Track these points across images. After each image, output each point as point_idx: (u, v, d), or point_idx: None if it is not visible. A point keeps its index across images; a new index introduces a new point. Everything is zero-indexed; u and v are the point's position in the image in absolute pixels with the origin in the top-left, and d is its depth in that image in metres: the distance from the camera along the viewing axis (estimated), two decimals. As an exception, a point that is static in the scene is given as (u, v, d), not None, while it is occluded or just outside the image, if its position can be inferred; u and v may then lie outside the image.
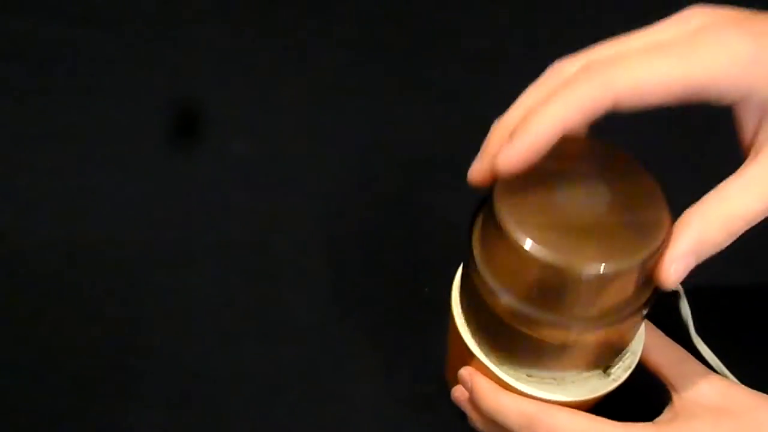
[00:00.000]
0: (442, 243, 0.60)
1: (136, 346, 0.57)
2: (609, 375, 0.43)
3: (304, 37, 0.70)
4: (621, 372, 0.43)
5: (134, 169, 0.64)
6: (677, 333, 0.48)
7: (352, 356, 0.57)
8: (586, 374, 0.43)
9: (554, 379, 0.43)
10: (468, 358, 0.45)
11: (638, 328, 0.43)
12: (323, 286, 0.59)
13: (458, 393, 0.47)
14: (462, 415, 0.48)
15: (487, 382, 0.44)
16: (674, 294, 0.49)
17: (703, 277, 0.57)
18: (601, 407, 0.44)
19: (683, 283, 0.49)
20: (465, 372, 0.45)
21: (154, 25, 0.70)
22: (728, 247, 0.58)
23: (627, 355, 0.43)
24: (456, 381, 0.47)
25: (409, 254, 0.60)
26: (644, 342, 0.44)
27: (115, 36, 0.70)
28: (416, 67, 0.68)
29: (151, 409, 0.55)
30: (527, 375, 0.43)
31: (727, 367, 0.51)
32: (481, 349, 0.44)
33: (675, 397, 0.42)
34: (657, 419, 0.43)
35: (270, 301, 0.59)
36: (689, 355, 0.44)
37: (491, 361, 0.44)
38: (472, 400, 0.45)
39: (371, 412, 0.55)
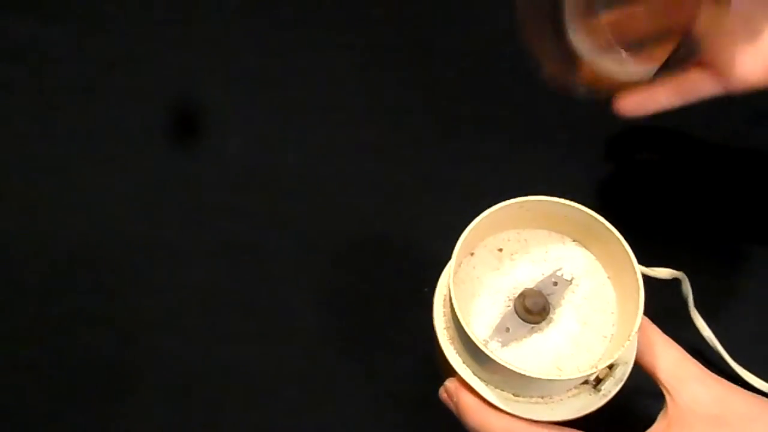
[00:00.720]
0: (442, 243, 0.60)
1: (136, 345, 0.57)
2: (599, 390, 0.42)
3: (304, 38, 0.70)
4: (612, 386, 0.42)
5: (134, 169, 0.64)
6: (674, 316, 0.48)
7: (351, 356, 0.57)
8: (575, 391, 0.42)
9: (542, 398, 0.42)
10: (453, 372, 0.44)
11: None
12: (323, 286, 0.59)
13: (445, 396, 0.46)
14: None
15: (473, 399, 0.43)
16: (675, 280, 0.49)
17: (704, 264, 0.57)
18: (590, 416, 0.43)
19: (686, 269, 0.49)
20: (451, 386, 0.44)
21: (154, 25, 0.70)
22: (729, 242, 0.58)
23: (618, 367, 0.42)
24: (444, 375, 0.46)
25: (409, 254, 0.60)
26: (640, 341, 0.42)
27: (115, 36, 0.70)
28: (417, 66, 0.68)
29: (150, 409, 0.55)
30: (513, 395, 0.42)
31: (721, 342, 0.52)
32: (466, 368, 0.43)
33: (670, 403, 0.41)
34: (650, 429, 0.42)
35: (270, 301, 0.59)
36: (687, 355, 0.42)
37: (477, 380, 0.43)
38: (458, 415, 0.44)
39: (371, 412, 0.55)
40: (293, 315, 0.58)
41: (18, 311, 0.59)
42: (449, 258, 0.42)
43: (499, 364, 0.38)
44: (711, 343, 0.52)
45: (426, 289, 0.58)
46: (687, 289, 0.49)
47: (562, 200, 0.42)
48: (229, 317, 0.58)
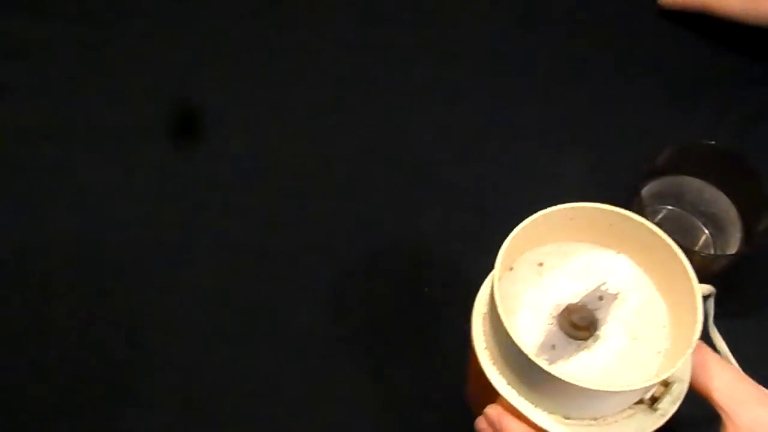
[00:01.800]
0: (442, 243, 0.60)
1: (136, 346, 0.57)
2: (656, 410, 0.39)
3: (305, 37, 0.70)
4: (668, 405, 0.39)
5: (134, 169, 0.64)
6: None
7: (352, 356, 0.57)
8: (629, 411, 0.39)
9: (595, 419, 0.39)
10: (494, 395, 0.41)
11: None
12: (323, 286, 0.59)
13: (483, 426, 0.43)
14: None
15: (519, 425, 0.40)
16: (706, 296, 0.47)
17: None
18: None
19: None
20: (493, 412, 0.41)
21: (154, 25, 0.70)
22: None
23: (674, 384, 0.39)
24: (478, 409, 0.44)
25: (409, 254, 0.60)
26: (693, 361, 0.39)
27: (114, 36, 0.70)
28: (417, 67, 0.68)
29: (150, 409, 0.55)
30: (564, 417, 0.39)
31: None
32: (512, 390, 0.40)
33: (729, 425, 0.39)
34: None
35: (270, 301, 0.59)
36: (743, 375, 0.40)
37: (524, 402, 0.40)
38: None
39: (371, 412, 0.55)
40: (293, 315, 0.58)
41: (18, 311, 0.59)
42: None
43: (553, 380, 0.36)
44: (728, 359, 0.50)
45: (426, 289, 0.59)
46: (709, 304, 0.47)
47: (610, 207, 0.40)
48: (229, 317, 0.58)
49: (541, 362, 0.36)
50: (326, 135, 0.65)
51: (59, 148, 0.65)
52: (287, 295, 0.59)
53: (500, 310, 0.37)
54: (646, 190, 0.56)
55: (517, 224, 0.39)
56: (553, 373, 0.36)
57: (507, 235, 0.39)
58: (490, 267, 0.39)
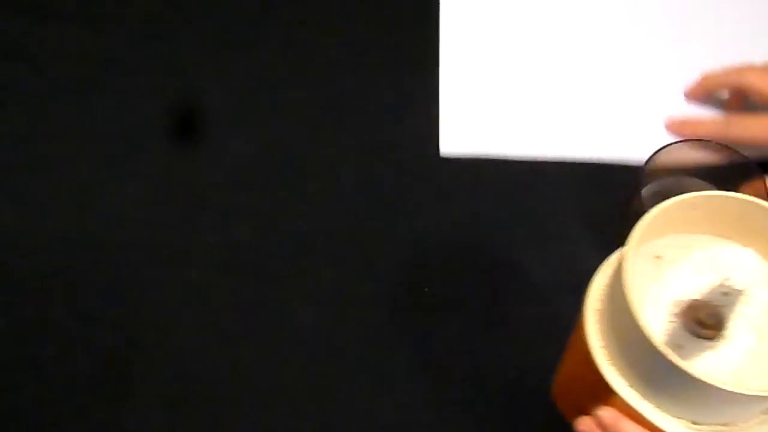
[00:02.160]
0: (442, 243, 0.60)
1: (136, 346, 0.57)
2: None
3: (304, 37, 0.70)
4: None
5: (134, 169, 0.64)
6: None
7: (352, 356, 0.57)
8: (762, 417, 0.37)
9: (724, 425, 0.36)
10: (607, 397, 0.38)
11: None
12: (323, 286, 0.59)
13: (587, 428, 0.40)
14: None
15: (638, 429, 0.37)
16: None
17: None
18: None
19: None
20: (608, 415, 0.38)
21: (154, 25, 0.70)
22: None
23: None
24: (577, 411, 0.41)
25: (409, 254, 0.60)
26: None
27: (115, 36, 0.70)
28: (416, 67, 0.68)
29: (151, 409, 0.55)
30: (692, 422, 0.36)
31: None
32: (633, 391, 0.37)
33: None
34: None
35: (270, 301, 0.59)
36: None
37: (647, 406, 0.37)
38: None
39: (371, 412, 0.55)
40: (293, 315, 0.58)
41: (18, 311, 0.59)
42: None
43: (690, 381, 0.33)
44: None
45: (426, 289, 0.59)
46: None
47: (742, 196, 0.38)
48: (229, 317, 0.58)
49: (681, 362, 0.33)
50: (326, 135, 0.65)
51: (59, 148, 0.65)
52: (287, 295, 0.59)
53: (635, 307, 0.34)
54: (646, 190, 0.56)
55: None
56: (694, 373, 0.33)
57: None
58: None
